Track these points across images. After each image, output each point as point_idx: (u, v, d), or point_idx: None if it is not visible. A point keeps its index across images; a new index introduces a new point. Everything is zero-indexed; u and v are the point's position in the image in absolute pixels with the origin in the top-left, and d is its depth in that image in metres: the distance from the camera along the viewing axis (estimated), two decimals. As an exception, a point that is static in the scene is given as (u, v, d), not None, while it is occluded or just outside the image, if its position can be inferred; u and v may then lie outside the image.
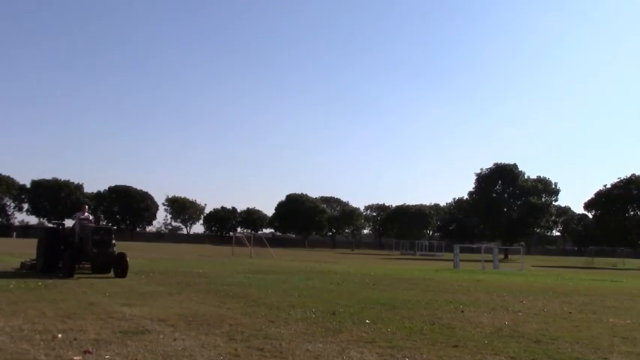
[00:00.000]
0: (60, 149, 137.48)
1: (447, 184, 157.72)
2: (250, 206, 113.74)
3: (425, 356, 5.91)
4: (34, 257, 16.62)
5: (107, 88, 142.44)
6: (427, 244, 75.93)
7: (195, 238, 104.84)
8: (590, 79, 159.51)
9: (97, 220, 16.84)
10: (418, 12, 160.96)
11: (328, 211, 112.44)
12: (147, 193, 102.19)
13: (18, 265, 16.82)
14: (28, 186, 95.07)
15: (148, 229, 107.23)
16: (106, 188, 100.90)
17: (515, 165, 73.17)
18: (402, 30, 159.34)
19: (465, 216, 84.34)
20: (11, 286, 11.28)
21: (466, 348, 6.39)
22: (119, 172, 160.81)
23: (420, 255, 66.16)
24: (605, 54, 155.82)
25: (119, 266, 14.52)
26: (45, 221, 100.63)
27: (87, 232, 14.68)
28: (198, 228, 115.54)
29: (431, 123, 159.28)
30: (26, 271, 15.60)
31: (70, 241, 15.32)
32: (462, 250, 37.10)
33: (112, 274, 14.72)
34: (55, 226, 17.10)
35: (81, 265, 15.30)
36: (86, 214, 16.39)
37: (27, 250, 30.72)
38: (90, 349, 5.64)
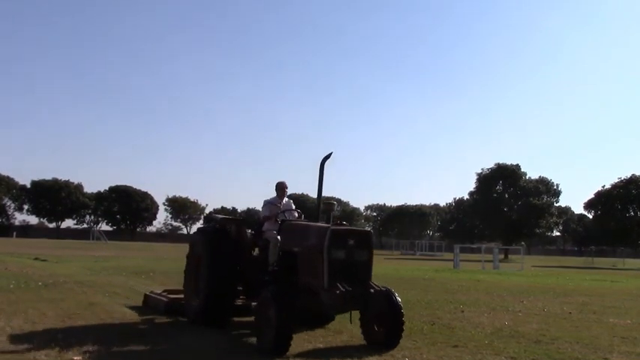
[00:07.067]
0: (60, 149, 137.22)
1: (447, 184, 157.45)
2: (250, 206, 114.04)
3: (425, 356, 5.92)
4: (165, 286, 10.77)
5: (107, 88, 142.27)
6: (427, 244, 75.83)
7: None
8: (590, 79, 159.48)
9: (326, 212, 7.84)
10: (417, 10, 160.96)
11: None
12: (147, 193, 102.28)
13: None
14: (28, 186, 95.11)
15: (148, 229, 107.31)
16: (106, 188, 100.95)
17: (517, 165, 73.25)
18: (402, 28, 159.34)
19: (465, 216, 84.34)
20: (11, 286, 11.28)
21: (466, 348, 6.40)
22: (119, 172, 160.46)
23: (420, 255, 66.06)
24: (606, 54, 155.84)
25: (387, 318, 6.34)
26: (45, 221, 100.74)
27: (317, 240, 6.20)
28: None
29: (431, 123, 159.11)
30: (163, 314, 8.26)
31: (255, 259, 7.63)
32: (462, 250, 37.08)
33: (347, 331, 7.20)
34: (224, 226, 8.08)
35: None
36: (286, 199, 8.12)
37: (27, 250, 30.75)
38: (90, 349, 5.65)
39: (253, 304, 7.51)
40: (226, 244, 7.50)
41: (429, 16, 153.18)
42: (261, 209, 8.07)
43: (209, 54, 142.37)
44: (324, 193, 7.08)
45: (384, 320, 6.35)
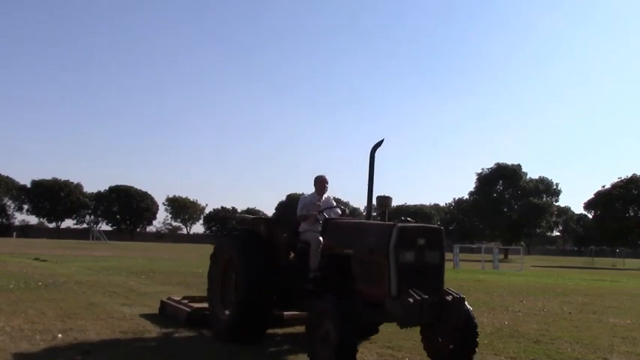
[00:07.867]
0: (60, 149, 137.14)
1: (447, 184, 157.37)
2: (250, 206, 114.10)
3: (425, 356, 5.91)
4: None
5: (106, 88, 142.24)
6: (427, 244, 75.81)
7: (196, 238, 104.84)
8: (590, 79, 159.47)
9: (381, 207, 6.51)
10: (417, 9, 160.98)
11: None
12: (147, 193, 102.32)
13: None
14: (28, 186, 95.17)
15: (148, 229, 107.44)
16: (106, 188, 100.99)
17: (519, 165, 73.35)
18: (401, 27, 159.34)
19: (465, 216, 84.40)
20: (11, 286, 11.28)
21: (466, 348, 6.39)
22: (119, 172, 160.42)
23: (420, 255, 66.05)
24: (606, 54, 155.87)
25: (458, 330, 5.42)
26: (45, 221, 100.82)
27: (380, 240, 5.28)
28: (198, 228, 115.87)
29: (431, 122, 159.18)
30: (183, 326, 7.22)
31: (292, 264, 6.67)
32: (462, 250, 37.13)
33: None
34: (255, 227, 7.11)
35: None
36: (326, 195, 7.01)
37: (27, 250, 30.73)
38: (90, 349, 5.65)
39: (286, 313, 7.06)
40: (260, 247, 6.52)
41: (429, 15, 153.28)
42: (297, 207, 6.92)
43: (210, 55, 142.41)
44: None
45: (455, 332, 5.39)
